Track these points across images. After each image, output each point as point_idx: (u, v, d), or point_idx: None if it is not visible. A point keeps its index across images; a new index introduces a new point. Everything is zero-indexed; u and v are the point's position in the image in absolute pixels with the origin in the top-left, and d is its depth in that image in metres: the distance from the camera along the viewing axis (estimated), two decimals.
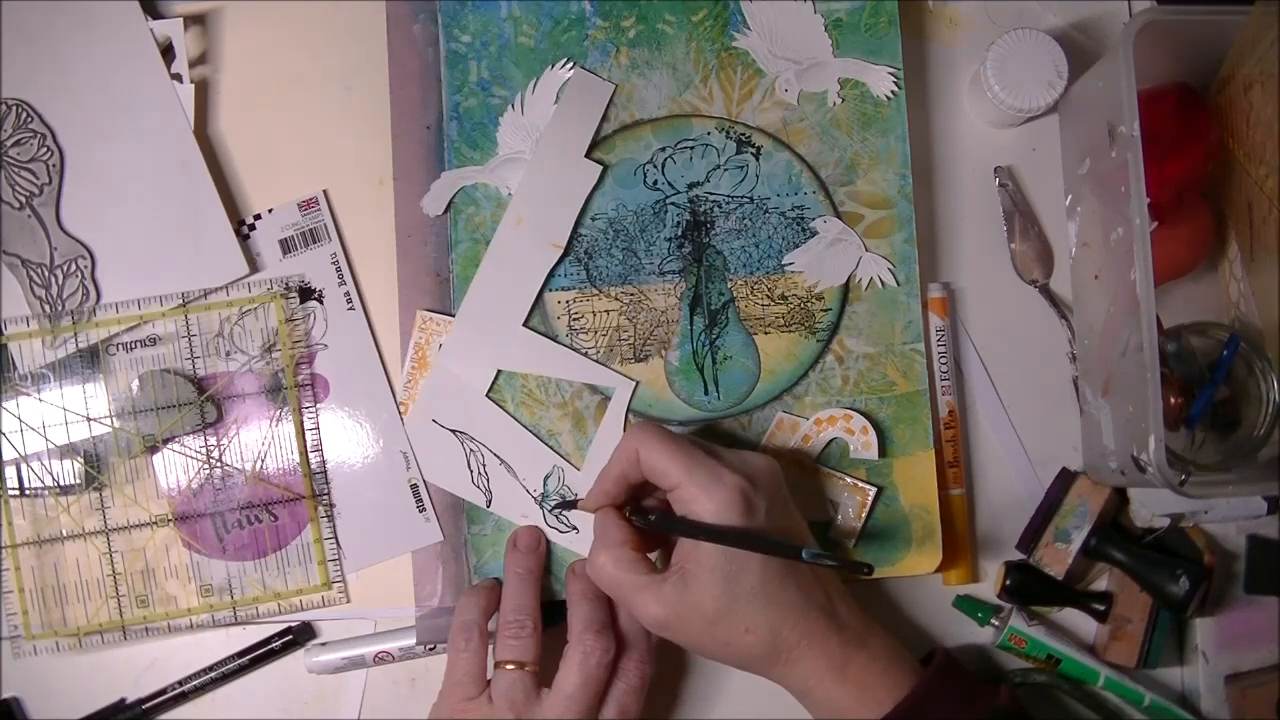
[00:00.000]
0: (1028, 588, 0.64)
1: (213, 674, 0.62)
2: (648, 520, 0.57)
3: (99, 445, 0.62)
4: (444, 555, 0.62)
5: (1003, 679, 0.64)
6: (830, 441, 0.63)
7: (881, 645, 0.57)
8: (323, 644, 0.63)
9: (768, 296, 0.64)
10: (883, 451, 0.63)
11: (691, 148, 0.64)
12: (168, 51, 0.63)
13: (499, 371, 0.63)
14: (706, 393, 0.63)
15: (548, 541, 0.62)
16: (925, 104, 0.68)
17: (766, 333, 0.64)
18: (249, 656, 0.63)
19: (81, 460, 0.62)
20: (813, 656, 0.55)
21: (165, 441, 0.63)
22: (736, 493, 0.54)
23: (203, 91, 0.65)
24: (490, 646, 0.59)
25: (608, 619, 0.58)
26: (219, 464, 0.63)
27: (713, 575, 0.54)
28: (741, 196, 0.64)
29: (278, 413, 0.63)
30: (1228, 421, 0.64)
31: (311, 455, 0.63)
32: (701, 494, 0.54)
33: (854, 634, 0.56)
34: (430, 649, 0.62)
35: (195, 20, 0.65)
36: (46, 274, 0.62)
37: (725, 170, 0.64)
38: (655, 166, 0.64)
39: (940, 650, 0.60)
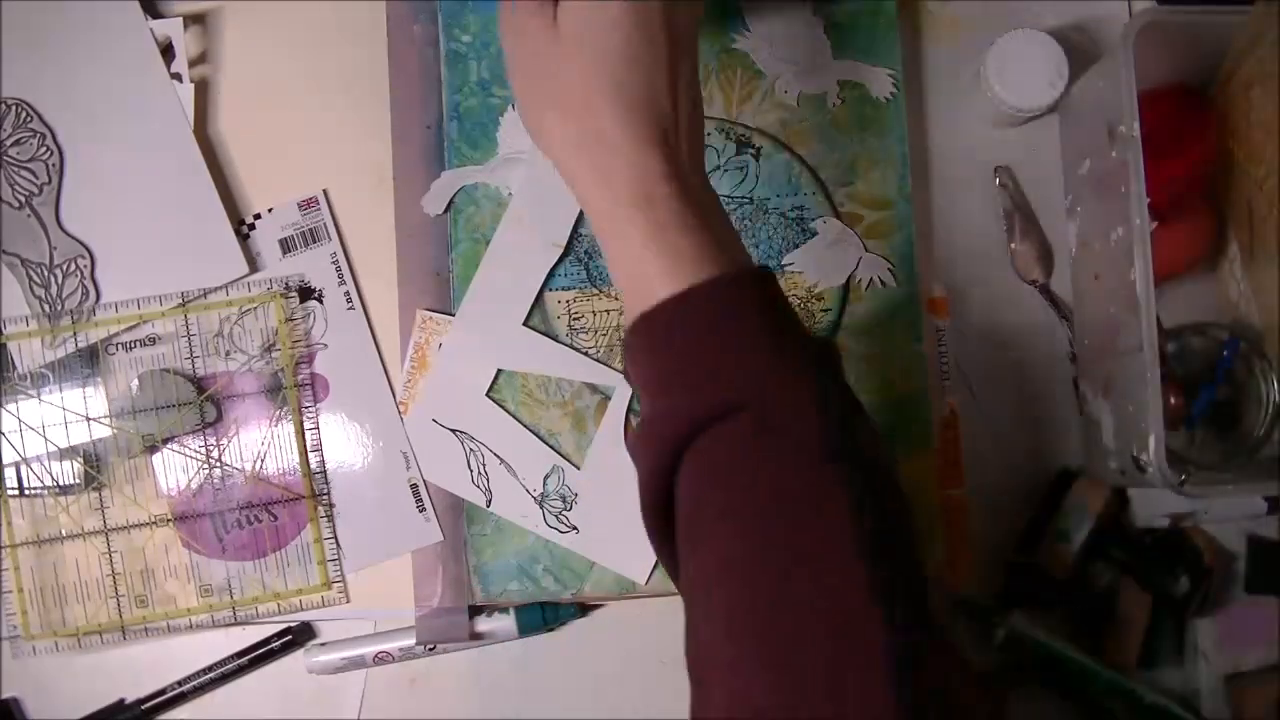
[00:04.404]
0: (1028, 588, 0.64)
1: (213, 674, 0.62)
2: None
3: (98, 445, 0.62)
4: (444, 555, 0.62)
5: (1002, 680, 0.64)
6: None
7: (724, 227, 0.46)
8: (322, 644, 0.63)
9: None
10: None
11: None
12: (168, 51, 0.63)
13: (499, 371, 0.63)
14: None
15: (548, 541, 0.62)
16: (925, 104, 0.68)
17: None
18: (249, 656, 0.63)
19: (81, 460, 0.62)
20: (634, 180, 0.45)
21: (165, 441, 0.63)
22: None
23: (203, 91, 0.65)
24: None
25: None
26: (219, 464, 0.63)
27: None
28: (741, 197, 0.64)
29: (277, 413, 0.63)
30: (1228, 421, 0.64)
31: (311, 455, 0.63)
32: None
33: (696, 199, 0.45)
34: (430, 649, 0.62)
35: (195, 20, 0.65)
36: (46, 274, 0.62)
37: (725, 171, 0.64)
38: None
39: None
